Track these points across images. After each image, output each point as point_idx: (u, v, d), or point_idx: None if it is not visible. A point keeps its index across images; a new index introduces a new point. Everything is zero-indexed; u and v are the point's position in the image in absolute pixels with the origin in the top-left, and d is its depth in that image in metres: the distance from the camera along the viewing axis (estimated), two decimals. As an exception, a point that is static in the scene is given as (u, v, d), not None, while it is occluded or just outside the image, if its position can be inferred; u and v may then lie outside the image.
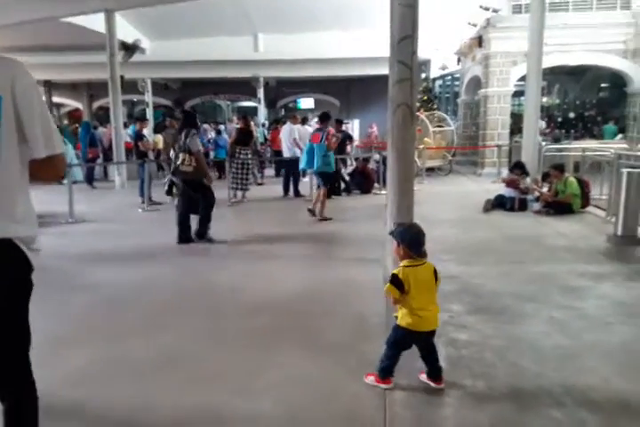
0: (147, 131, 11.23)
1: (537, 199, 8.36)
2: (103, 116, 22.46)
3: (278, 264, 5.59)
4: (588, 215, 7.87)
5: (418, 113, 13.66)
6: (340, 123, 11.77)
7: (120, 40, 14.40)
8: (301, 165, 8.39)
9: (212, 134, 15.38)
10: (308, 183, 10.21)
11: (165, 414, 2.75)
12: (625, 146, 11.46)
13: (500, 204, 8.34)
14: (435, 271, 2.97)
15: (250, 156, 10.42)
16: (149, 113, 22.03)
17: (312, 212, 7.89)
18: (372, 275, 4.99)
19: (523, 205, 8.26)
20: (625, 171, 6.19)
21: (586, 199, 8.11)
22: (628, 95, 14.10)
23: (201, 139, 15.40)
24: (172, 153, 6.58)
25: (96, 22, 14.00)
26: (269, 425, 2.65)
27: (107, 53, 12.60)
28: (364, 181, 10.75)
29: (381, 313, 4.02)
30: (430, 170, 13.27)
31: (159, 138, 12.05)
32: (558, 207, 7.87)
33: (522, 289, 4.58)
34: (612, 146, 9.97)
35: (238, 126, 11.01)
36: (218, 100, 28.07)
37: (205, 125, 16.82)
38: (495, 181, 11.04)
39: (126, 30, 17.09)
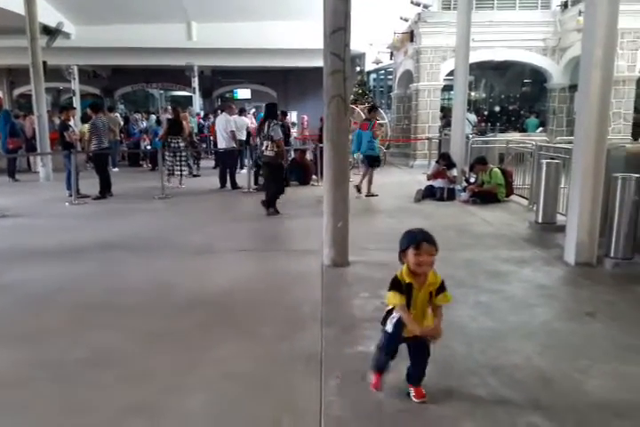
0: (73, 120, 10.63)
1: (464, 189, 8.68)
2: (25, 105, 21.09)
3: (213, 258, 5.47)
4: (511, 204, 8.27)
5: (353, 106, 13.82)
6: (284, 115, 11.77)
7: (42, 23, 13.50)
8: (352, 149, 9.23)
9: (143, 124, 14.80)
10: (245, 175, 10.09)
11: (93, 414, 2.64)
12: (545, 138, 12.12)
13: (430, 194, 8.61)
14: (441, 285, 2.59)
15: (181, 145, 10.56)
16: (76, 102, 20.91)
17: (358, 188, 8.90)
18: (309, 266, 5.01)
19: (451, 195, 8.56)
20: (544, 162, 6.54)
21: (509, 189, 8.52)
22: (548, 90, 14.89)
23: (132, 128, 14.93)
24: (257, 140, 7.88)
25: (14, 3, 13.06)
26: (202, 422, 2.59)
27: (27, 37, 11.79)
28: (302, 172, 10.74)
29: (316, 303, 4.05)
30: (365, 161, 13.45)
31: (86, 127, 11.44)
32: (484, 197, 8.22)
33: (450, 275, 4.69)
34: (533, 138, 10.51)
35: (169, 117, 11.32)
36: (150, 88, 27.06)
37: (136, 115, 16.19)
38: (425, 172, 11.36)
39: (49, 13, 16.07)
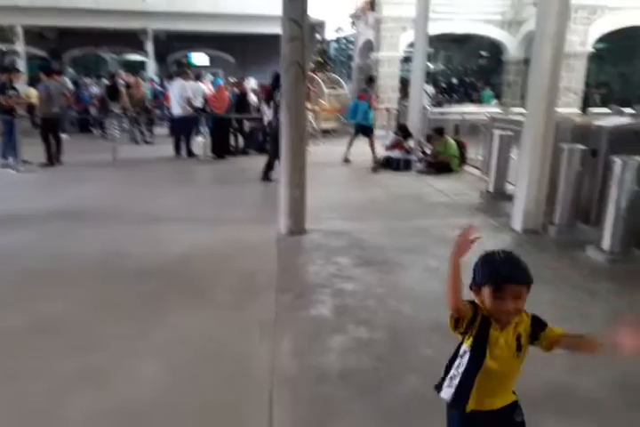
0: (18, 84, 10.04)
1: (420, 160, 8.79)
2: (-35, 66, 19.71)
3: (167, 226, 5.37)
4: (465, 174, 8.44)
5: (313, 74, 13.61)
6: (239, 83, 11.42)
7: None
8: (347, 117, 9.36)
9: (94, 89, 14.14)
10: (200, 143, 9.87)
11: (39, 382, 2.60)
12: (499, 110, 12.34)
13: (387, 164, 8.69)
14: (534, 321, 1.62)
15: (119, 110, 11.36)
16: (21, 64, 19.71)
17: (346, 158, 9.22)
18: (265, 234, 5.00)
19: (407, 166, 8.67)
20: (497, 133, 6.68)
21: (463, 159, 8.69)
22: (504, 63, 15.08)
23: (81, 93, 14.23)
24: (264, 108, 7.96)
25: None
26: (153, 388, 2.58)
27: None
28: (260, 141, 10.58)
29: (272, 270, 4.07)
30: (325, 132, 13.37)
31: (32, 91, 10.88)
32: (439, 167, 8.35)
33: (403, 242, 4.85)
34: (488, 110, 10.67)
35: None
36: (101, 52, 25.77)
37: (87, 79, 15.45)
38: (384, 143, 11.42)
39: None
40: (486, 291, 1.54)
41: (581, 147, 4.99)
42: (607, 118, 5.71)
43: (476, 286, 1.58)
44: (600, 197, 4.59)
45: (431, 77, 19.22)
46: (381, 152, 9.14)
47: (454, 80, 21.20)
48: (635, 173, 4.16)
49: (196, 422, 2.25)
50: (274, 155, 7.23)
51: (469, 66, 21.75)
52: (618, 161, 4.22)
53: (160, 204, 6.28)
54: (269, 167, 7.57)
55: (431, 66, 19.71)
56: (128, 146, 10.14)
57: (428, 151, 8.83)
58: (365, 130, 9.20)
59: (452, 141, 8.55)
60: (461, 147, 8.67)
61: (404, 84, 15.17)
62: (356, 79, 17.40)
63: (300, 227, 5.08)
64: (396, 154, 8.82)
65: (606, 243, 4.34)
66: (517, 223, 5.21)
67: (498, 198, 6.49)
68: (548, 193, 5.16)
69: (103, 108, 12.37)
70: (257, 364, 2.74)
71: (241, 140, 10.74)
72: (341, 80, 16.16)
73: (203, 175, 8.30)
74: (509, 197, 5.99)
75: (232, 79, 13.32)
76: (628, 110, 6.51)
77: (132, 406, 2.39)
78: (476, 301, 1.58)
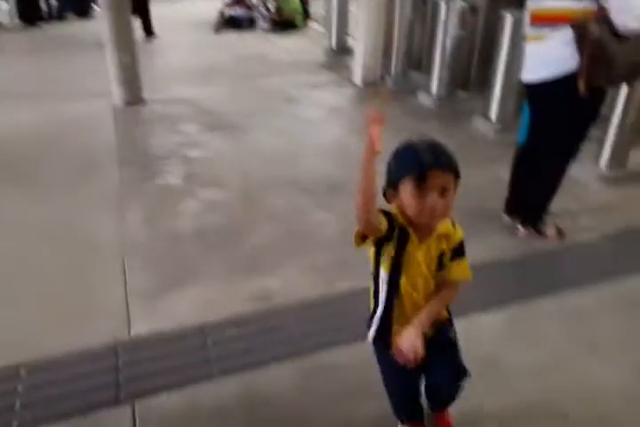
0: None
1: (264, 18, 8.22)
2: None
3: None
4: (310, 31, 8.12)
5: None
6: None
7: None
8: None
9: None
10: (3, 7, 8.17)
11: None
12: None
13: (230, 23, 8.02)
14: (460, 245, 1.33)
15: None
16: None
17: None
18: (99, 108, 4.53)
19: (251, 24, 8.09)
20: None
21: (307, 15, 8.29)
22: None
23: None
24: None
25: None
26: None
27: None
28: (78, 1, 8.93)
29: (110, 145, 3.78)
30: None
31: None
32: (283, 24, 7.91)
33: (250, 104, 4.72)
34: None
35: None
36: None
37: None
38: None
39: None
40: (406, 188, 1.17)
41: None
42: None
43: (391, 187, 1.21)
44: (430, 44, 4.74)
45: None
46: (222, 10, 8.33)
47: None
48: (459, 16, 4.28)
49: (49, 301, 2.18)
50: None
51: None
52: (442, 5, 4.28)
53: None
54: None
55: None
56: None
57: (272, 8, 8.24)
58: None
59: (293, -4, 8.02)
60: (304, 2, 8.20)
61: None
62: None
63: (136, 97, 4.65)
64: (238, 12, 8.12)
65: (434, 88, 4.61)
66: (357, 77, 5.27)
67: (340, 54, 6.40)
68: (384, 45, 5.20)
69: None
70: (106, 236, 2.66)
71: (54, 2, 8.98)
72: None
73: (12, 46, 7.01)
74: (352, 52, 5.95)
75: None
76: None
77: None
78: (392, 210, 1.24)
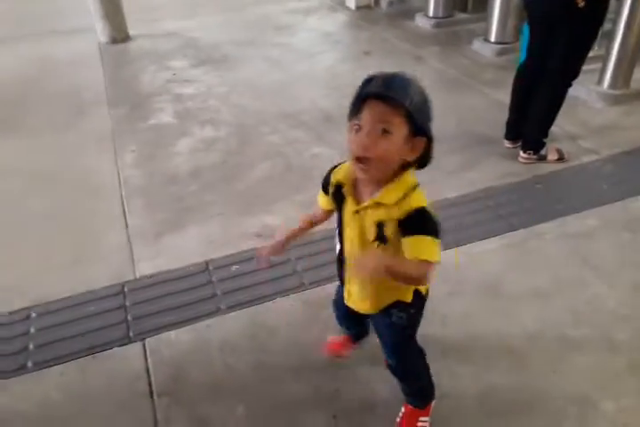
0: None
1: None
2: None
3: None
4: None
5: None
6: None
7: None
8: None
9: None
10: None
11: None
12: None
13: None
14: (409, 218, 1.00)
15: None
16: None
17: None
18: (84, 46, 4.29)
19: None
20: None
21: None
22: None
23: None
24: None
25: None
26: None
27: None
28: None
29: (99, 85, 3.61)
30: None
31: None
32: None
33: (240, 35, 4.45)
34: None
35: None
36: None
37: None
38: None
39: None
40: (349, 124, 0.97)
41: None
42: None
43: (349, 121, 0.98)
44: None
45: None
46: None
47: None
48: None
49: (53, 245, 2.16)
50: None
51: None
52: None
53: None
54: None
55: None
56: None
57: None
58: None
59: None
60: None
61: None
62: None
63: (122, 33, 4.39)
64: None
65: (431, 10, 4.30)
66: (351, 1, 4.92)
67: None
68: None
69: None
70: (103, 178, 2.59)
71: None
72: None
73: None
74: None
75: None
76: None
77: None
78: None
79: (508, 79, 2.66)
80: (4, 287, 1.95)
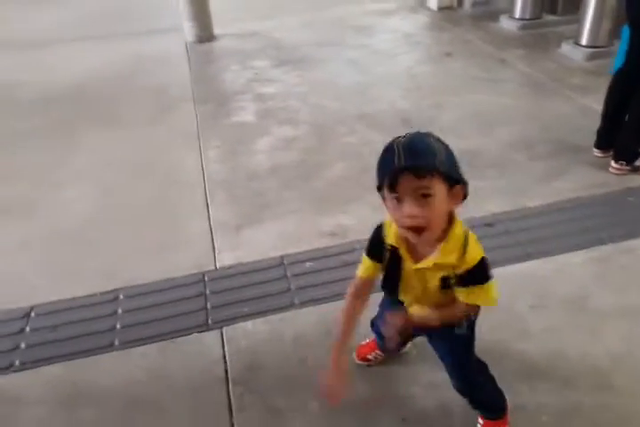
0: None
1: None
2: None
3: (55, 49, 4.62)
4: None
5: None
6: None
7: None
8: None
9: None
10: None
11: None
12: None
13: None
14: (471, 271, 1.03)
15: None
16: None
17: None
18: (171, 45, 4.49)
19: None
20: None
21: None
22: None
23: None
24: None
25: None
26: (86, 209, 2.49)
27: None
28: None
29: (185, 82, 3.76)
30: None
31: None
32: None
33: (320, 36, 4.50)
34: None
35: None
36: None
37: None
38: None
39: None
40: (386, 193, 0.99)
41: None
42: None
43: (379, 192, 1.02)
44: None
45: None
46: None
47: None
48: None
49: (141, 233, 2.28)
50: None
51: None
52: None
53: (37, 25, 5.33)
54: None
55: None
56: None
57: None
58: None
59: None
60: None
61: None
62: None
63: (208, 32, 4.56)
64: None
65: (518, 11, 4.14)
66: (433, 1, 4.83)
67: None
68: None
69: None
70: (187, 173, 2.70)
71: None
72: None
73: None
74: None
75: None
76: None
77: (66, 226, 2.35)
78: (385, 227, 1.10)
79: (599, 85, 2.52)
80: (97, 269, 2.08)
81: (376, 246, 1.11)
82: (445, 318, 1.10)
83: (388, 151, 0.97)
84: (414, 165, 0.92)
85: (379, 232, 1.11)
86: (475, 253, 1.02)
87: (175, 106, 3.43)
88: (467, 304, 1.06)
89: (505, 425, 1.34)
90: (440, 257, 1.01)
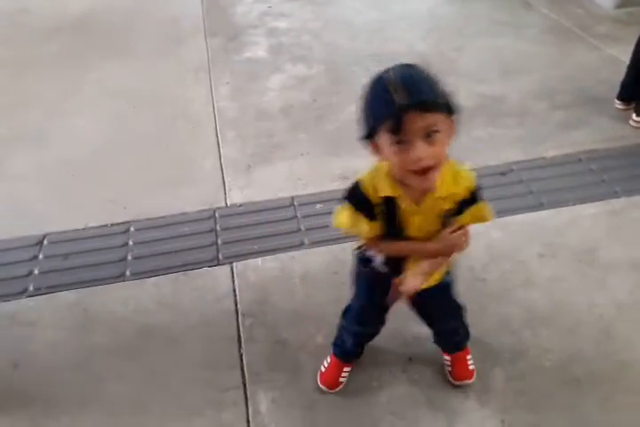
0: None
1: None
2: None
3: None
4: None
5: None
6: None
7: None
8: None
9: None
10: None
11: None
12: None
13: None
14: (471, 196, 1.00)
15: None
16: None
17: None
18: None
19: None
20: None
21: None
22: None
23: None
24: None
25: None
26: (96, 138, 2.43)
27: None
28: None
29: (197, 14, 3.56)
30: None
31: None
32: None
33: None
34: None
35: None
36: None
37: None
38: None
39: None
40: (383, 140, 0.86)
41: None
42: None
43: (369, 137, 0.90)
44: None
45: None
46: None
47: None
48: None
49: (152, 168, 2.23)
50: None
51: None
52: None
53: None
54: None
55: None
56: None
57: None
58: None
59: None
60: None
61: None
62: None
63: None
64: None
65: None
66: None
67: None
68: None
69: None
70: (197, 108, 2.61)
71: None
72: None
73: None
74: None
75: None
76: None
77: (78, 156, 2.30)
78: (378, 165, 0.98)
79: (627, 35, 2.39)
80: (108, 201, 2.05)
81: (365, 207, 0.99)
82: (441, 252, 1.05)
83: (378, 90, 0.84)
84: (420, 100, 0.80)
85: (360, 193, 0.98)
86: (467, 174, 0.98)
87: (186, 38, 3.27)
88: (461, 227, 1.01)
89: (469, 352, 1.39)
90: (441, 190, 0.94)
